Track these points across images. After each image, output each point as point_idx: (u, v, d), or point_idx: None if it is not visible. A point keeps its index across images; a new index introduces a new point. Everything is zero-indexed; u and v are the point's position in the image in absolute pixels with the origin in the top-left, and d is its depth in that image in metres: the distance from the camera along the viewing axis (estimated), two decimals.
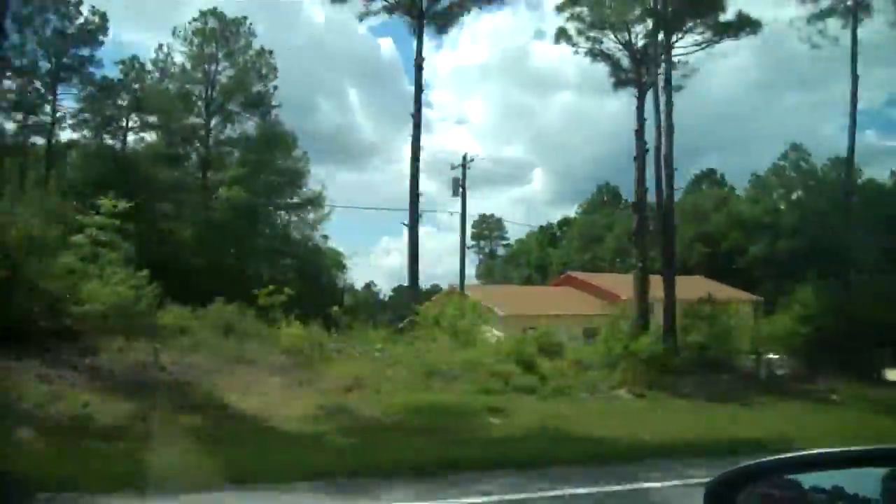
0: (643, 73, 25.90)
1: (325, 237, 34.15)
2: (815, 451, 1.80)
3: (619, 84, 27.57)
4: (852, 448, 1.76)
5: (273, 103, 33.18)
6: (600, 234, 62.00)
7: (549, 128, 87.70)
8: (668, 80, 23.31)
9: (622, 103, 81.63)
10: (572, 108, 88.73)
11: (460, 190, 29.93)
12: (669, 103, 22.81)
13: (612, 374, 15.81)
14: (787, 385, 18.86)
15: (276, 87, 32.64)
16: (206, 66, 32.98)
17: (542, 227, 74.26)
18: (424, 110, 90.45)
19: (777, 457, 1.84)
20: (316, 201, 33.47)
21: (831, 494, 1.74)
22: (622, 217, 63.51)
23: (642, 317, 21.64)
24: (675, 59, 26.38)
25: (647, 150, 25.61)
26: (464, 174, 30.11)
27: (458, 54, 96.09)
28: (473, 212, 79.62)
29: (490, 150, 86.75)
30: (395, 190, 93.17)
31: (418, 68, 21.58)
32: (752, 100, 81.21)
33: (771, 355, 21.50)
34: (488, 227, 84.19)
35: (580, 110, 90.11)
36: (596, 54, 27.34)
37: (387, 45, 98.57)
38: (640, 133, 25.32)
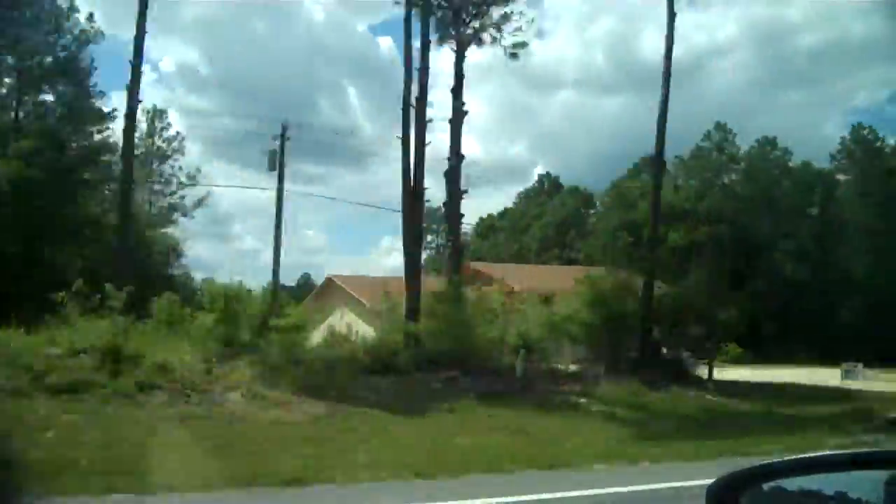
0: (462, 24, 22.79)
1: (152, 222, 30.60)
2: (819, 453, 1.84)
3: (442, 39, 24.22)
4: (856, 451, 1.80)
5: (88, 71, 29.58)
6: (529, 224, 58.41)
7: (550, 125, 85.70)
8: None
9: (621, 101, 79.66)
10: (573, 105, 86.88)
11: (277, 164, 26.27)
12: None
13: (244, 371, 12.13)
14: (542, 385, 15.11)
15: (77, 52, 29.00)
16: (9, 31, 29.41)
17: (481, 218, 70.69)
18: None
19: (780, 459, 1.81)
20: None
21: (833, 498, 1.73)
22: (552, 206, 59.90)
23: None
24: (509, 11, 23.18)
25: (466, 112, 22.41)
26: (282, 147, 26.47)
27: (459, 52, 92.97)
28: (478, 211, 76.85)
29: (492, 148, 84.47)
30: (395, 191, 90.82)
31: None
32: (753, 97, 76.23)
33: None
34: (437, 221, 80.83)
35: (581, 108, 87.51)
36: (417, 5, 24.08)
37: (386, 45, 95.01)
38: (457, 92, 22.12)
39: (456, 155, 21.41)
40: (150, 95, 75.69)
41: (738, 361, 43.97)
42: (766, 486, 1.78)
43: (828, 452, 1.81)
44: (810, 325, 46.54)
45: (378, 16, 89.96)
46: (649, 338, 18.05)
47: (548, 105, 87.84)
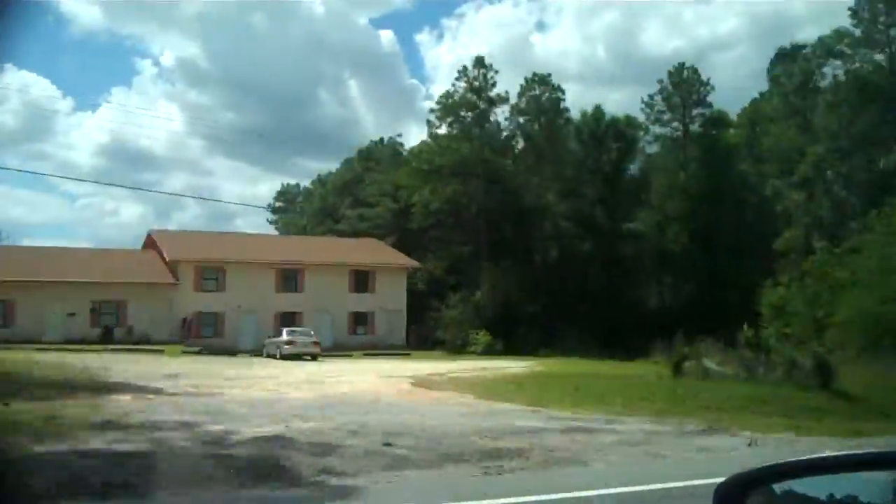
0: None
1: None
2: (828, 454, 1.83)
3: None
4: (865, 452, 1.77)
5: None
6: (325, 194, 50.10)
7: None
8: None
9: (623, 94, 75.00)
10: (574, 98, 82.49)
11: None
12: None
13: None
14: None
15: None
16: None
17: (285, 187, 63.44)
18: (424, 103, 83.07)
19: (790, 460, 1.80)
20: None
21: (843, 500, 1.72)
22: (340, 176, 51.40)
23: None
24: None
25: None
26: None
27: (458, 47, 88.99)
28: None
29: None
30: None
31: None
32: (753, 91, 73.14)
33: None
34: (291, 199, 73.86)
35: (581, 101, 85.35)
36: None
37: (387, 37, 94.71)
38: None
39: None
40: (151, 91, 78.79)
41: (488, 352, 35.27)
42: (776, 488, 1.77)
43: (837, 454, 1.80)
44: (598, 307, 37.60)
45: None
46: None
47: None
